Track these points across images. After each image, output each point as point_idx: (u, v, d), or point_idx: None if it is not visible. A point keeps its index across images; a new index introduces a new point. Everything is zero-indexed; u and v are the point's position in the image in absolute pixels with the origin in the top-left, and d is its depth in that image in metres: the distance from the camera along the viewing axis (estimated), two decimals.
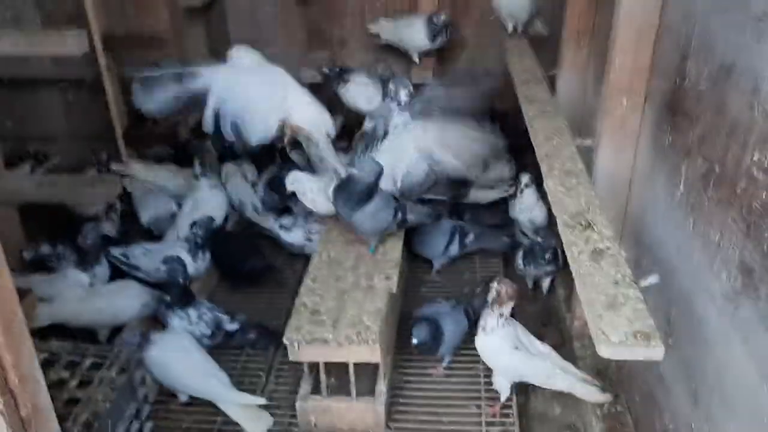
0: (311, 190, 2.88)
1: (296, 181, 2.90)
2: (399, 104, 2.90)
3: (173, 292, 2.56)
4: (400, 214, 2.69)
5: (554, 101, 2.69)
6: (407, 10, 4.04)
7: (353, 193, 2.56)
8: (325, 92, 4.19)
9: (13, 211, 2.89)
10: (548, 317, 3.03)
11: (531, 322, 2.97)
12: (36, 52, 2.57)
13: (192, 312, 2.58)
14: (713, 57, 1.78)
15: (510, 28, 3.54)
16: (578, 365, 2.64)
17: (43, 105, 4.06)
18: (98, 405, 1.75)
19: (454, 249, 3.17)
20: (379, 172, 2.57)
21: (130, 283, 2.82)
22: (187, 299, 2.59)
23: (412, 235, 3.08)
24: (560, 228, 1.89)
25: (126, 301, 2.67)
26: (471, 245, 3.22)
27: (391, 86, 3.03)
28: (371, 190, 2.58)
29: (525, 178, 3.16)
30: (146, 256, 2.89)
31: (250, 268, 3.12)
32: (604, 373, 2.58)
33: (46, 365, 1.88)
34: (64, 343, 1.98)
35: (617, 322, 1.51)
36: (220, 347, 2.67)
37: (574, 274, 1.70)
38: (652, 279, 1.67)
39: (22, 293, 2.32)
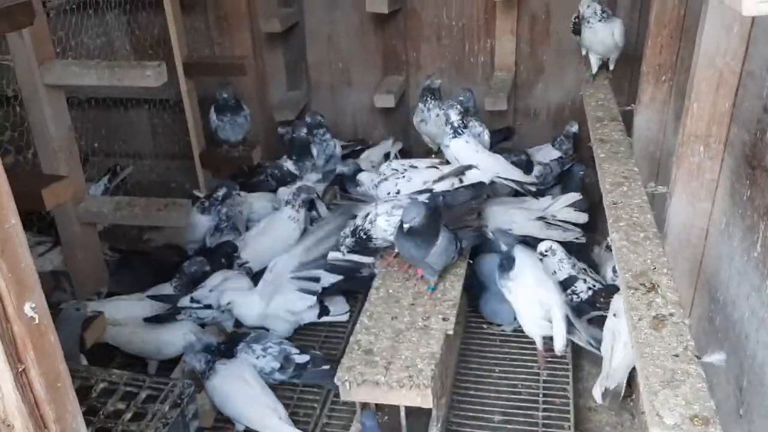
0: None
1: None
2: (453, 127, 3.02)
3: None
4: (460, 245, 2.69)
5: (628, 142, 2.57)
6: (483, 34, 4.00)
7: (418, 235, 2.49)
8: (397, 115, 4.24)
9: (93, 231, 3.05)
10: None
11: (596, 368, 2.86)
12: (119, 84, 2.66)
13: (256, 346, 2.62)
14: None
15: (595, 68, 3.14)
16: (645, 419, 2.52)
17: (130, 124, 4.26)
18: None
19: None
20: (424, 211, 2.47)
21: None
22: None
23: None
24: (622, 289, 1.79)
25: (170, 338, 2.70)
26: None
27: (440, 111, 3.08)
28: (435, 229, 2.55)
29: (543, 246, 2.92)
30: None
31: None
32: None
33: (106, 394, 1.96)
34: (123, 372, 2.05)
35: (674, 402, 1.42)
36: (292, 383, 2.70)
37: (632, 344, 1.61)
38: (717, 356, 1.56)
39: (92, 317, 2.45)
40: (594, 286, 2.86)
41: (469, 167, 3.00)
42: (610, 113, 2.78)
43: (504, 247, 2.69)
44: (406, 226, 2.43)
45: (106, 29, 3.79)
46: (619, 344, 2.32)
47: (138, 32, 3.84)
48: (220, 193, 3.37)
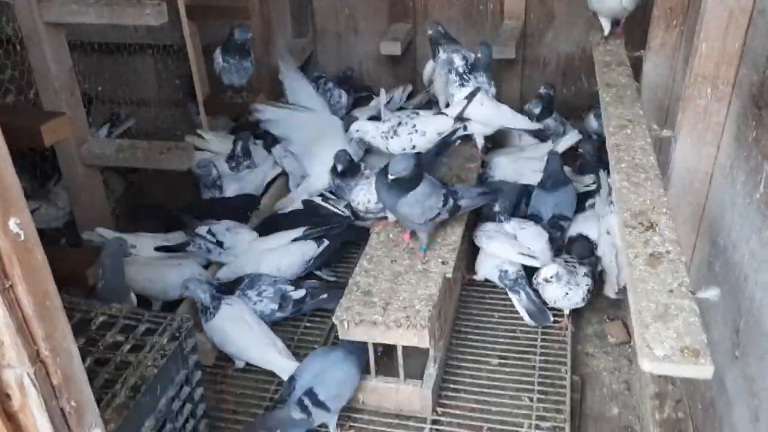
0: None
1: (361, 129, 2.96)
2: (458, 73, 3.01)
3: None
4: (451, 200, 2.49)
5: (635, 86, 2.51)
6: None
7: (397, 184, 2.37)
8: (404, 64, 4.17)
9: (96, 172, 3.05)
10: (615, 312, 2.89)
11: (595, 316, 2.88)
12: (118, 22, 2.63)
13: (250, 292, 2.63)
14: None
15: (607, 30, 2.89)
16: None
17: (134, 70, 4.23)
18: (147, 370, 1.82)
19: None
20: (415, 165, 2.37)
21: (189, 262, 2.87)
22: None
23: None
24: (619, 227, 1.78)
25: (177, 279, 2.70)
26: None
27: (443, 55, 3.10)
28: (416, 179, 2.39)
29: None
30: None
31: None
32: (670, 375, 2.45)
33: (105, 326, 1.98)
34: (123, 306, 2.06)
35: (665, 335, 1.41)
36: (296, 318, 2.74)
37: (627, 279, 1.60)
38: (711, 292, 1.55)
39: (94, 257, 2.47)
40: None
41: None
42: (618, 58, 2.71)
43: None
44: (391, 176, 2.32)
45: None
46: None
47: None
48: (239, 147, 3.43)
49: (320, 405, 2.19)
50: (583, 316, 2.88)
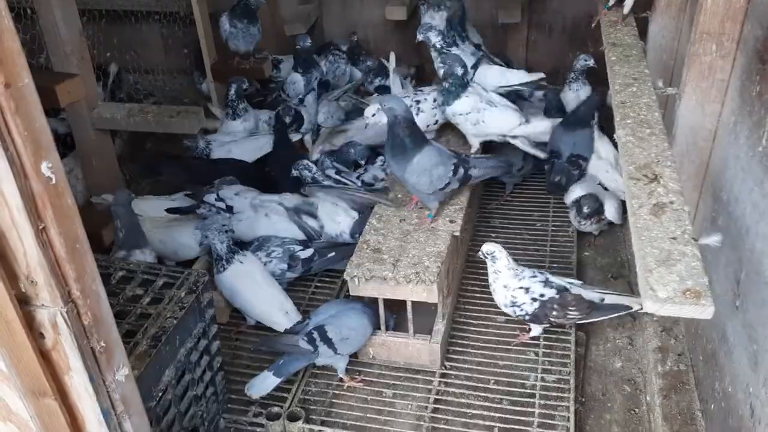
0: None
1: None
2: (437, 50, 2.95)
3: None
4: (462, 170, 2.50)
5: (640, 46, 2.53)
6: None
7: (396, 138, 2.39)
8: (410, 29, 4.18)
9: (107, 136, 3.10)
10: (619, 270, 2.95)
11: (601, 274, 2.93)
12: None
13: (260, 253, 2.68)
14: None
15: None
16: (645, 321, 2.59)
17: (142, 38, 4.25)
18: (166, 321, 1.89)
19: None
20: (406, 109, 2.41)
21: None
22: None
23: None
24: (624, 180, 1.82)
25: (187, 240, 2.77)
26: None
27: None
28: (417, 139, 2.43)
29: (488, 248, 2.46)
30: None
31: None
32: (672, 330, 2.51)
33: (124, 281, 2.05)
34: (141, 261, 2.12)
35: (668, 279, 1.46)
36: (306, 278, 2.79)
37: (631, 228, 1.64)
38: (713, 238, 1.59)
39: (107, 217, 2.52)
40: (542, 296, 2.43)
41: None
42: (624, 18, 2.73)
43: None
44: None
45: None
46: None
47: None
48: (233, 90, 3.48)
49: (327, 342, 2.28)
50: (587, 275, 2.94)
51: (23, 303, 1.24)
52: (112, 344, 1.40)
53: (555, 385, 2.41)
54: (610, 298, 2.45)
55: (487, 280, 2.85)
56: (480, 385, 2.43)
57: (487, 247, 2.43)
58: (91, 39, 3.25)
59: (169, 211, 2.88)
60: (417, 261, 2.32)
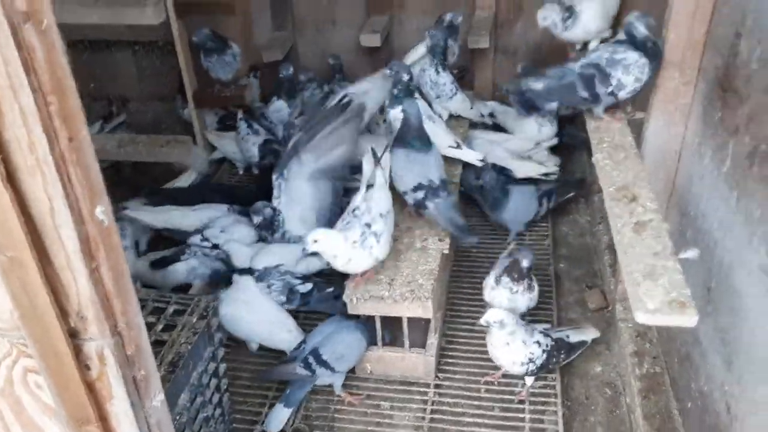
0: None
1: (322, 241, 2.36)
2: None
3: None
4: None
5: None
6: None
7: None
8: (384, 55, 4.33)
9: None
10: (593, 280, 3.14)
11: (576, 285, 3.11)
12: (120, 22, 2.74)
13: (261, 284, 2.77)
14: (766, 37, 1.83)
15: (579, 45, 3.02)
16: (620, 327, 2.77)
17: (118, 66, 4.30)
18: (181, 347, 1.97)
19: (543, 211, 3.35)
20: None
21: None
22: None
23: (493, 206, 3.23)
24: (606, 201, 1.99)
25: (174, 266, 2.87)
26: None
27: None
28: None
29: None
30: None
31: None
32: (646, 334, 2.69)
33: None
34: (150, 290, 2.20)
35: (655, 291, 1.63)
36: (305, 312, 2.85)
37: (616, 245, 1.81)
38: (691, 252, 1.77)
39: None
40: (547, 346, 2.47)
41: None
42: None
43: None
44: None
45: None
46: None
47: None
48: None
49: (323, 364, 2.39)
50: (564, 285, 3.12)
51: (72, 336, 1.33)
52: (150, 372, 1.49)
53: (542, 391, 2.56)
54: (573, 335, 2.60)
55: (471, 291, 3.02)
56: (472, 394, 2.57)
57: (492, 316, 2.33)
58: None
59: (154, 264, 2.94)
60: (411, 279, 2.46)
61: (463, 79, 4.02)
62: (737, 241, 1.92)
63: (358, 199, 2.44)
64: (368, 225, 2.35)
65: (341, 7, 4.35)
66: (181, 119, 4.14)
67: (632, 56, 2.30)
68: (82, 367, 1.38)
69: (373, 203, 2.41)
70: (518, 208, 3.24)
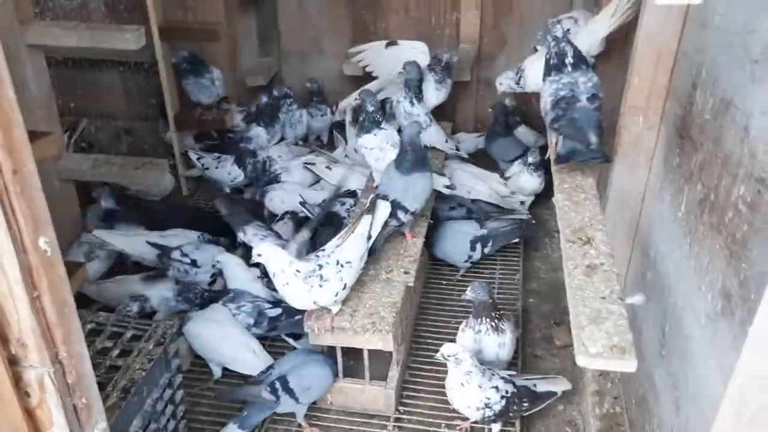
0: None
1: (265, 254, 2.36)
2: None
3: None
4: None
5: None
6: (449, 7, 4.18)
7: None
8: (365, 83, 4.38)
9: (71, 187, 3.18)
10: (561, 317, 3.16)
11: (544, 321, 3.13)
12: (98, 46, 2.77)
13: (231, 305, 2.79)
14: (717, 90, 1.88)
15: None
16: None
17: (103, 85, 4.33)
18: (135, 373, 1.98)
19: (477, 256, 3.33)
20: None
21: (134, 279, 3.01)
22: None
23: (432, 240, 3.24)
24: (562, 242, 2.02)
25: (148, 293, 2.91)
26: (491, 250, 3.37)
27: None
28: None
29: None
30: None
31: None
32: (608, 374, 2.71)
33: (94, 333, 2.13)
34: (110, 314, 2.21)
35: (597, 335, 1.65)
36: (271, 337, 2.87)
37: (566, 288, 1.84)
38: (638, 297, 1.80)
39: (74, 267, 2.60)
40: (507, 392, 2.40)
41: None
42: None
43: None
44: None
45: None
46: None
47: None
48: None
49: (289, 392, 2.39)
50: (532, 321, 3.14)
51: (12, 363, 1.34)
52: (92, 400, 1.50)
53: (503, 428, 2.57)
54: (541, 385, 2.54)
55: (438, 324, 3.03)
56: (432, 429, 2.57)
57: (448, 350, 2.28)
58: (55, 90, 3.35)
59: (151, 244, 3.02)
60: (373, 311, 2.47)
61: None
62: (689, 286, 1.95)
63: (334, 240, 2.46)
64: (320, 266, 2.35)
65: (327, 36, 4.42)
66: (163, 140, 4.17)
67: None
68: (22, 394, 1.39)
69: (341, 249, 2.41)
70: (448, 247, 3.28)
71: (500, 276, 3.37)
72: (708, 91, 1.95)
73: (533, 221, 3.54)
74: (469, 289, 2.50)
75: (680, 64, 2.24)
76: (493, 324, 2.53)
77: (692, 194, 2.01)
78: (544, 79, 2.39)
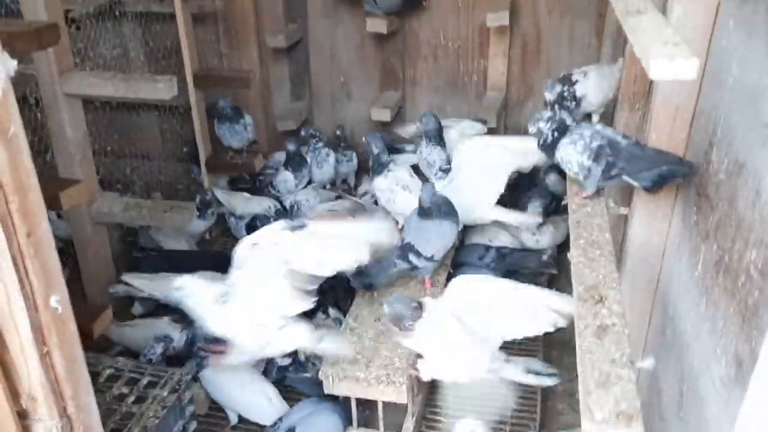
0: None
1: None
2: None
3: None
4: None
5: None
6: (477, 55, 4.23)
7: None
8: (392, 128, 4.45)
9: (103, 229, 3.28)
10: None
11: (568, 372, 3.07)
12: (133, 96, 2.89)
13: None
14: (732, 151, 1.87)
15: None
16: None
17: (141, 127, 4.50)
18: (149, 420, 2.02)
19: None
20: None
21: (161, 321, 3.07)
22: None
23: None
24: (575, 300, 2.01)
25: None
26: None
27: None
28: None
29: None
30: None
31: None
32: None
33: (112, 379, 2.19)
34: (128, 360, 2.27)
35: (605, 401, 1.63)
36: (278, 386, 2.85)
37: (577, 349, 1.82)
38: (648, 362, 1.77)
39: (99, 310, 2.68)
40: None
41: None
42: None
43: None
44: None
45: (123, 40, 4.03)
46: None
47: (152, 44, 4.07)
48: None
49: None
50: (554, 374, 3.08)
51: (22, 417, 1.40)
52: None
53: None
54: None
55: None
56: None
57: (461, 429, 2.33)
58: (93, 133, 3.50)
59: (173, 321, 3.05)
60: (389, 362, 2.48)
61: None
62: (704, 348, 1.91)
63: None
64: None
65: (356, 82, 4.52)
66: (196, 180, 4.29)
67: None
68: None
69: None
70: None
71: None
72: (723, 150, 1.93)
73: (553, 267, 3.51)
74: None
75: (698, 120, 2.23)
76: None
77: (708, 254, 1.98)
78: (556, 147, 2.39)
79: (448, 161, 3.31)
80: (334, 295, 3.17)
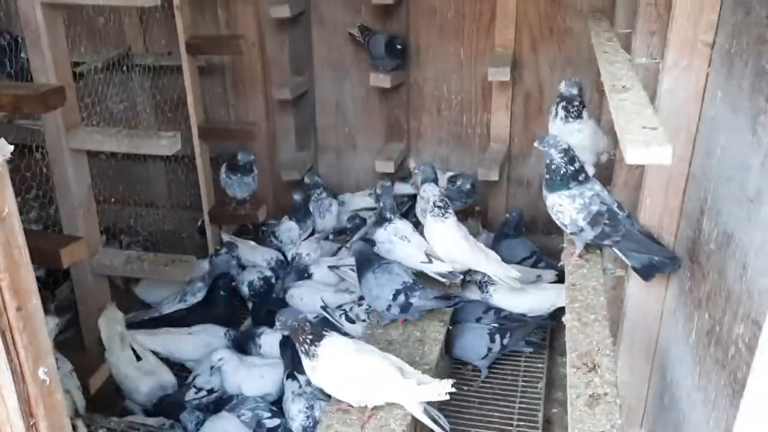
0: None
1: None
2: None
3: None
4: (402, 296, 2.91)
5: None
6: (480, 108, 4.30)
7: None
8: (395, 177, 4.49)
9: (104, 280, 3.31)
10: None
11: None
12: (136, 151, 2.96)
13: (230, 414, 2.78)
14: (720, 221, 1.88)
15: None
16: None
17: (147, 177, 4.57)
18: None
19: (496, 348, 3.27)
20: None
21: (160, 366, 3.11)
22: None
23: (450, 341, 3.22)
24: (567, 368, 2.00)
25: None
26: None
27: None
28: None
29: None
30: None
31: None
32: None
33: None
34: (121, 419, 2.27)
35: None
36: None
37: (568, 418, 1.81)
38: None
39: (96, 365, 2.69)
40: None
41: None
42: None
43: None
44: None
45: (130, 93, 4.12)
46: None
47: (159, 96, 4.17)
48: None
49: None
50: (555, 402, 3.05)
51: None
52: None
53: None
54: None
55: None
56: None
57: None
58: (98, 184, 3.55)
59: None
60: (384, 423, 2.45)
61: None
62: (698, 419, 1.90)
63: None
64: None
65: (361, 134, 4.59)
66: (201, 228, 4.33)
67: None
68: None
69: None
70: (467, 343, 3.22)
71: (523, 383, 3.30)
72: (713, 220, 1.94)
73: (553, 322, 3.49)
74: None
75: (690, 186, 2.25)
76: None
77: (701, 323, 1.97)
78: (552, 192, 2.42)
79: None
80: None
